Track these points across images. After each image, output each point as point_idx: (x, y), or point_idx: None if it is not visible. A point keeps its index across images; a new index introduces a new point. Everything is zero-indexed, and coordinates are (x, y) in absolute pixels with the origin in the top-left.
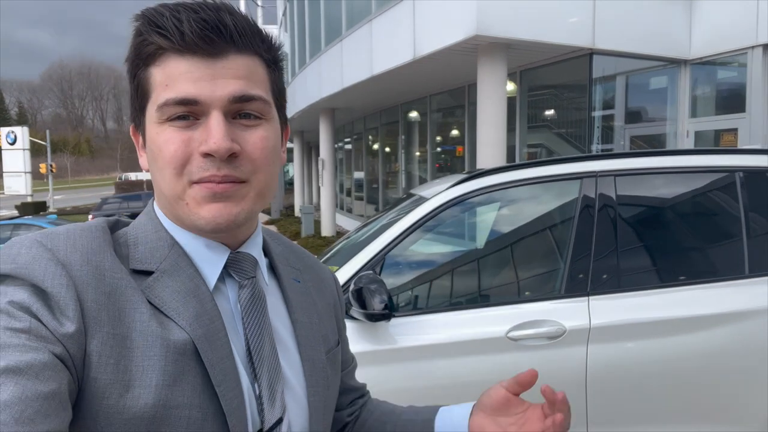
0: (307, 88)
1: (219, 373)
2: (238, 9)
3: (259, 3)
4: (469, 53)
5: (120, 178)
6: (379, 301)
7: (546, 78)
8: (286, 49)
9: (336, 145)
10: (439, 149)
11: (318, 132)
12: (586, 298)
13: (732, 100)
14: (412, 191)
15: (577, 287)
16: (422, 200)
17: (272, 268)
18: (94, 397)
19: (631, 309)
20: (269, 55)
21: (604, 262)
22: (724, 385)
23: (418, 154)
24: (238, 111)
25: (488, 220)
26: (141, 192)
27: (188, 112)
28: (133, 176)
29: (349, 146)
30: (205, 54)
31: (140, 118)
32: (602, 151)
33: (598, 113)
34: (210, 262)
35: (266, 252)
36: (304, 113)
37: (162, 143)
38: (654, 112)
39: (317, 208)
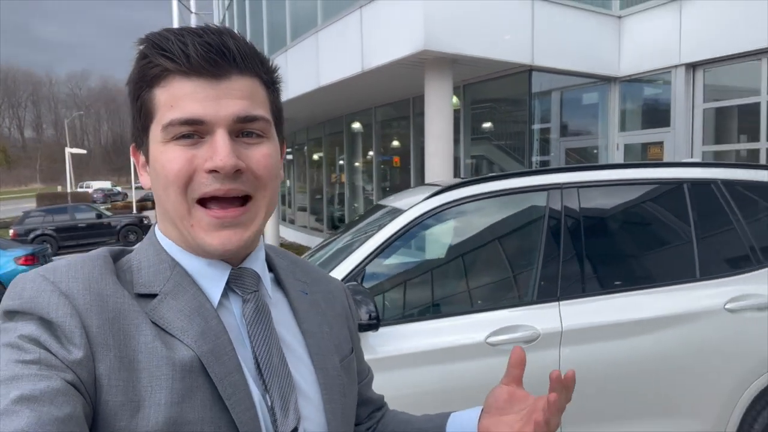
0: None
1: (228, 386)
2: (240, 34)
3: (193, 10)
4: (415, 67)
5: (82, 186)
6: (365, 311)
7: (488, 92)
8: None
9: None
10: (383, 160)
11: None
12: (557, 303)
13: (658, 115)
14: (382, 203)
15: (548, 293)
16: (398, 212)
17: (278, 281)
18: (107, 420)
19: (598, 312)
20: (268, 76)
21: (572, 269)
22: (681, 381)
23: (362, 164)
24: (241, 130)
25: (463, 231)
26: (66, 205)
27: (193, 131)
28: (97, 185)
29: (290, 156)
30: (210, 76)
31: (143, 138)
32: (540, 163)
33: (536, 126)
34: (212, 279)
35: (270, 267)
36: None
37: (166, 161)
38: (587, 126)
39: None
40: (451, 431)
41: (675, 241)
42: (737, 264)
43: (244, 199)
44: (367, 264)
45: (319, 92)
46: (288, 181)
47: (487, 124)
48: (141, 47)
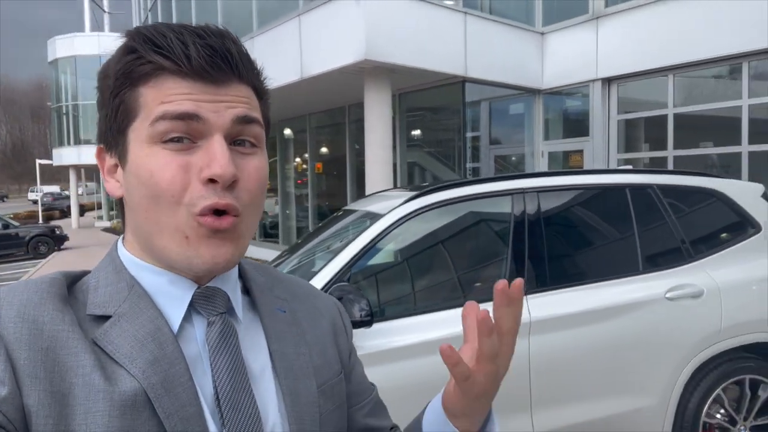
0: None
1: (178, 422)
2: (237, 37)
3: (106, 9)
4: (354, 75)
5: (33, 191)
6: (358, 309)
7: (423, 101)
8: None
9: None
10: (318, 166)
11: None
12: (525, 297)
13: (578, 125)
14: (350, 208)
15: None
16: (375, 215)
17: (252, 300)
18: None
19: (560, 304)
20: (261, 86)
21: (536, 265)
22: (632, 363)
23: (294, 171)
24: (238, 135)
25: (441, 232)
26: None
27: (186, 132)
28: (47, 189)
29: None
30: (210, 80)
31: (117, 140)
32: (472, 170)
33: (469, 135)
34: (174, 299)
35: (246, 285)
36: None
37: (155, 168)
38: (514, 135)
39: None
40: (426, 417)
41: (621, 239)
42: (673, 258)
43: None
44: (353, 266)
45: (301, 84)
46: None
47: (421, 132)
48: (126, 40)
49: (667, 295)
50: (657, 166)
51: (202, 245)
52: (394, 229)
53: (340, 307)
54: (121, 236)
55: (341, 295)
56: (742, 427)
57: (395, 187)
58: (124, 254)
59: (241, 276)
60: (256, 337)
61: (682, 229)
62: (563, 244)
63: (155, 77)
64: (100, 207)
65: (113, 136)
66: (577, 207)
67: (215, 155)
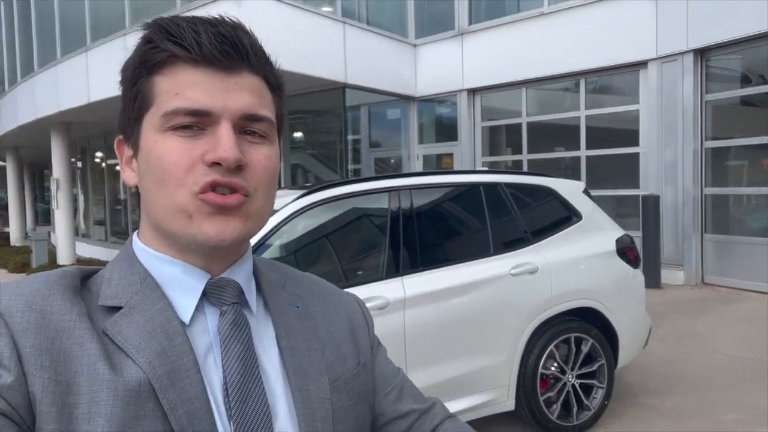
0: (35, 99)
1: (183, 415)
2: (251, 30)
3: None
4: None
5: None
6: None
7: (306, 105)
8: None
9: (77, 164)
10: None
11: (42, 148)
12: (400, 277)
13: (448, 130)
14: None
15: (393, 270)
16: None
17: (263, 296)
18: None
19: (429, 282)
20: (275, 79)
21: (409, 251)
22: (486, 328)
23: None
24: (245, 128)
25: (327, 226)
26: None
27: (195, 122)
28: None
29: (80, 164)
30: (221, 67)
31: (133, 129)
32: (353, 170)
33: (350, 138)
34: (187, 289)
35: (258, 280)
36: (24, 128)
37: (163, 152)
38: (392, 139)
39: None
40: None
41: (477, 228)
42: (516, 242)
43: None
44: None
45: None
46: (80, 192)
47: (304, 135)
48: (146, 32)
49: (511, 272)
50: (515, 167)
51: (205, 222)
52: (287, 223)
53: (361, 303)
54: (137, 230)
55: None
56: (570, 376)
57: (280, 187)
58: (138, 246)
59: (254, 274)
60: (266, 333)
61: (523, 218)
62: (431, 233)
63: (169, 65)
64: None
65: (129, 125)
66: (442, 202)
67: (221, 141)
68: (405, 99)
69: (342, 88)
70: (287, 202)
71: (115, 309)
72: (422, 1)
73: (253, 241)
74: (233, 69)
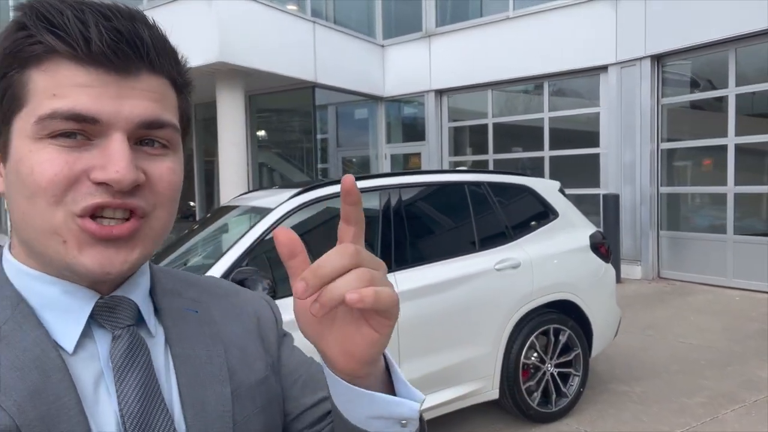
0: None
1: None
2: (153, 21)
3: None
4: (204, 75)
5: None
6: (261, 288)
7: (275, 103)
8: None
9: None
10: None
11: None
12: (393, 273)
13: (416, 130)
14: (231, 204)
15: (386, 266)
16: (264, 210)
17: (155, 305)
18: None
19: (419, 278)
20: (180, 78)
21: (400, 247)
22: (473, 320)
23: None
24: (143, 137)
25: (321, 223)
26: None
27: (79, 129)
28: None
29: None
30: (113, 69)
31: (0, 129)
32: (321, 169)
33: (319, 137)
34: (70, 312)
35: (153, 291)
36: None
37: (36, 164)
38: (359, 138)
39: None
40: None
41: (463, 226)
42: (500, 239)
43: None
44: (249, 254)
45: None
46: None
47: (273, 134)
48: (20, 15)
49: (496, 267)
50: (480, 167)
51: (84, 252)
52: (284, 220)
53: (269, 300)
54: (8, 242)
55: (244, 277)
56: (549, 365)
57: (251, 189)
58: (10, 263)
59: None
60: (165, 352)
61: (505, 216)
62: (421, 230)
63: (48, 60)
64: None
65: None
66: (429, 201)
67: (112, 156)
68: (373, 99)
69: (312, 87)
70: (281, 201)
71: None
72: (389, 2)
73: (248, 241)
74: (129, 70)
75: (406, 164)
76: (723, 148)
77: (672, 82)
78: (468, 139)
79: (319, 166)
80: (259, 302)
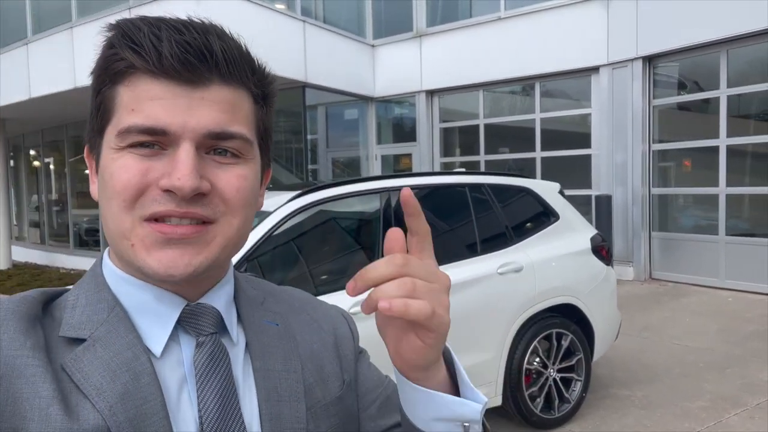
0: None
1: None
2: (230, 33)
3: None
4: None
5: None
6: None
7: None
8: None
9: (9, 163)
10: None
11: None
12: None
13: (407, 131)
14: None
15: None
16: (263, 213)
17: (239, 315)
18: None
19: None
20: (259, 89)
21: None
22: (477, 325)
23: None
24: (213, 147)
25: (323, 225)
26: None
27: (154, 141)
28: None
29: (13, 162)
30: (183, 80)
31: (97, 140)
32: (311, 170)
33: (309, 137)
34: (160, 317)
35: (237, 299)
36: None
37: (115, 170)
38: (350, 139)
39: None
40: (403, 402)
41: (465, 228)
42: (502, 242)
43: (204, 223)
44: (249, 258)
45: (76, 92)
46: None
47: None
48: (109, 34)
49: (499, 271)
50: (471, 168)
51: (151, 254)
52: (281, 226)
53: (346, 315)
54: (108, 247)
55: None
56: (552, 370)
57: None
58: (108, 267)
59: (234, 293)
60: (246, 362)
61: (507, 218)
62: None
63: (130, 75)
64: None
65: (94, 136)
66: (432, 202)
67: (178, 165)
68: (363, 99)
69: (302, 87)
70: (280, 204)
71: (78, 341)
72: (380, 1)
73: (248, 245)
74: (199, 82)
75: (396, 165)
76: (715, 149)
77: (663, 84)
78: (459, 140)
79: (310, 167)
80: (337, 318)
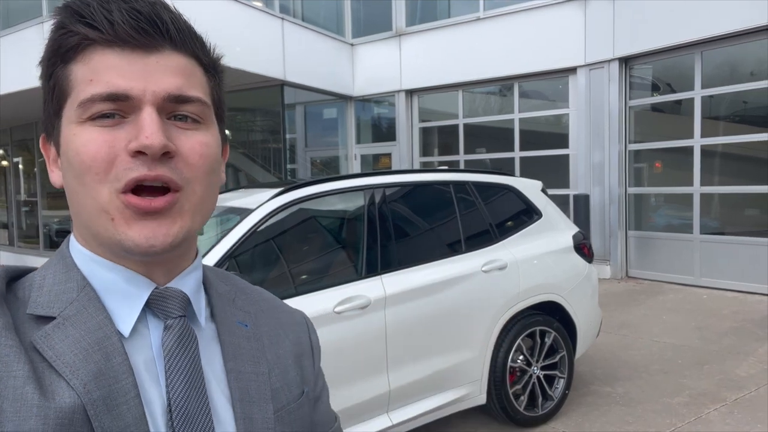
0: None
1: None
2: (175, 9)
3: None
4: None
5: None
6: None
7: (242, 102)
8: None
9: None
10: None
11: None
12: (380, 276)
13: (386, 131)
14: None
15: (372, 269)
16: (244, 210)
17: (211, 310)
18: None
19: (407, 280)
20: (208, 59)
21: (387, 249)
22: (461, 323)
23: None
24: (173, 112)
25: (306, 223)
26: None
27: (115, 110)
28: None
29: None
30: (138, 46)
31: (54, 123)
32: (289, 170)
33: (288, 136)
34: (128, 298)
35: (207, 292)
36: None
37: (80, 145)
38: (329, 139)
39: None
40: None
41: (449, 226)
42: (486, 240)
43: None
44: (231, 257)
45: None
46: None
47: (238, 133)
48: (57, 17)
49: (483, 269)
50: (451, 168)
51: (132, 227)
52: (263, 224)
53: (310, 325)
54: (71, 233)
55: None
56: (535, 368)
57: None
58: (76, 248)
59: (204, 284)
60: (214, 351)
61: (491, 216)
62: (407, 232)
63: (83, 51)
64: None
65: (50, 121)
66: (415, 200)
67: (143, 126)
68: (342, 98)
69: (280, 85)
70: (262, 201)
71: (47, 319)
72: (359, 0)
73: (230, 243)
74: (153, 47)
75: (375, 165)
76: (689, 150)
77: (639, 85)
78: (438, 140)
79: (288, 166)
80: (301, 326)
